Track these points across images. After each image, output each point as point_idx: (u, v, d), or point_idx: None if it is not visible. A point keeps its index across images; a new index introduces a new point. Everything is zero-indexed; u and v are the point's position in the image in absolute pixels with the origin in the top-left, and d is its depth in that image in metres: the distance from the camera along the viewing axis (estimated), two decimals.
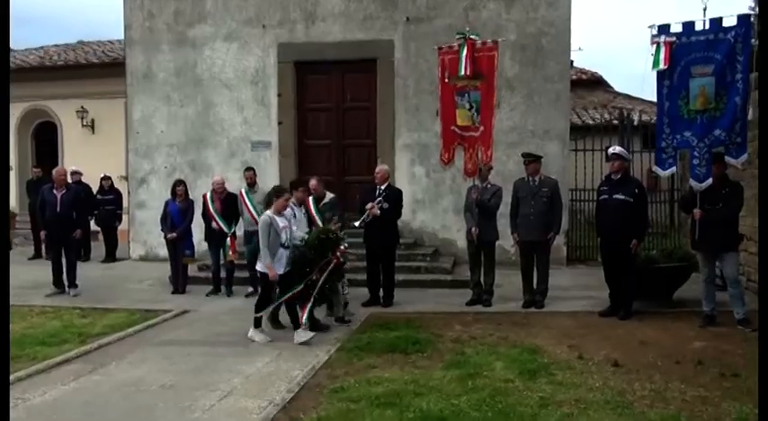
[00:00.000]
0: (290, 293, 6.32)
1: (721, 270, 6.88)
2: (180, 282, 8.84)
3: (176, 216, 8.77)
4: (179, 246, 8.76)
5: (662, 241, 10.70)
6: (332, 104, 11.12)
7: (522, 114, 10.45)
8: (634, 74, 40.31)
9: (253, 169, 8.92)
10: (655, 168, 6.82)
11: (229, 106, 11.28)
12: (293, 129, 11.12)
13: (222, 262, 8.51)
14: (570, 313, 7.26)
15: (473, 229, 7.66)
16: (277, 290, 6.41)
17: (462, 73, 7.38)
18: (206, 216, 8.60)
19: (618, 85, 36.03)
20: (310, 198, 7.40)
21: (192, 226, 8.81)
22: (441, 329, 6.64)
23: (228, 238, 8.43)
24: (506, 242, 9.11)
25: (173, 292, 8.81)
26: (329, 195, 7.67)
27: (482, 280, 7.83)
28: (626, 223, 6.89)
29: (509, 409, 4.40)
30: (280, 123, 11.13)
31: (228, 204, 8.52)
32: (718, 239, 6.48)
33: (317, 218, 7.21)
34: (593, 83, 19.85)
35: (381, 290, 7.85)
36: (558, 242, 10.00)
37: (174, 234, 8.70)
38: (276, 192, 6.39)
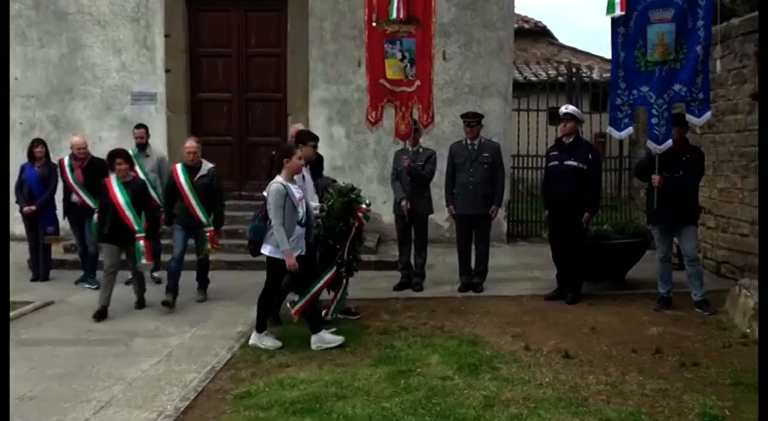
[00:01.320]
0: (323, 281, 6.07)
1: (678, 246, 7.13)
2: (41, 267, 8.42)
3: (35, 184, 8.24)
4: (39, 221, 8.26)
5: (612, 214, 11.06)
6: (232, 50, 10.71)
7: (459, 66, 10.42)
8: (581, 29, 41.42)
9: (144, 127, 8.44)
10: (609, 129, 6.94)
11: (103, 48, 10.61)
12: (184, 79, 10.63)
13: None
14: (513, 297, 7.39)
15: (403, 202, 7.59)
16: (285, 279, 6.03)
17: (394, 16, 7.19)
18: (66, 187, 8.09)
19: (563, 38, 36.83)
20: (179, 166, 7.15)
21: (58, 197, 8.29)
22: (365, 319, 6.58)
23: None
24: (440, 216, 9.16)
25: (32, 280, 8.39)
26: (207, 165, 7.31)
27: (412, 260, 7.82)
28: (578, 193, 7.02)
29: (449, 412, 4.38)
30: (167, 71, 10.59)
31: (92, 173, 7.87)
32: (677, 211, 6.69)
33: (189, 196, 7.05)
34: (535, 33, 20.13)
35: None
36: (499, 216, 10.14)
37: (33, 207, 8.19)
38: (285, 152, 5.87)
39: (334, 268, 6.18)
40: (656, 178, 6.63)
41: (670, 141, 6.57)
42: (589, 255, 7.32)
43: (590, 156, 7.13)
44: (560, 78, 12.61)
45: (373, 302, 7.22)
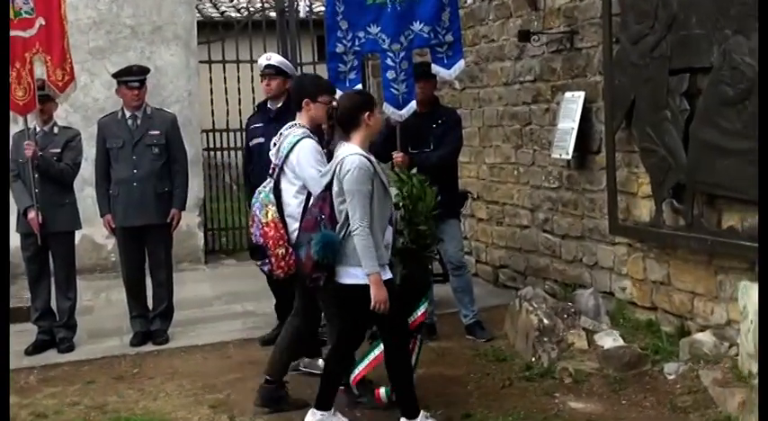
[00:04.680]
0: (416, 319, 5.54)
1: (439, 250, 7.47)
2: None
3: None
4: None
5: None
6: None
7: None
8: None
9: None
10: None
11: None
12: None
13: None
14: (215, 346, 7.38)
15: (30, 213, 7.24)
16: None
17: None
18: None
19: None
20: None
21: None
22: None
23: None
24: (97, 231, 8.79)
25: None
26: None
27: (54, 304, 7.46)
28: None
29: None
30: None
31: None
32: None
33: None
34: None
35: None
36: (189, 223, 9.95)
37: None
38: (364, 103, 5.28)
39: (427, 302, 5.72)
40: (398, 156, 6.86)
41: (414, 103, 6.83)
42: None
43: None
44: (270, 14, 12.71)
45: None
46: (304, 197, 5.50)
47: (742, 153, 5.40)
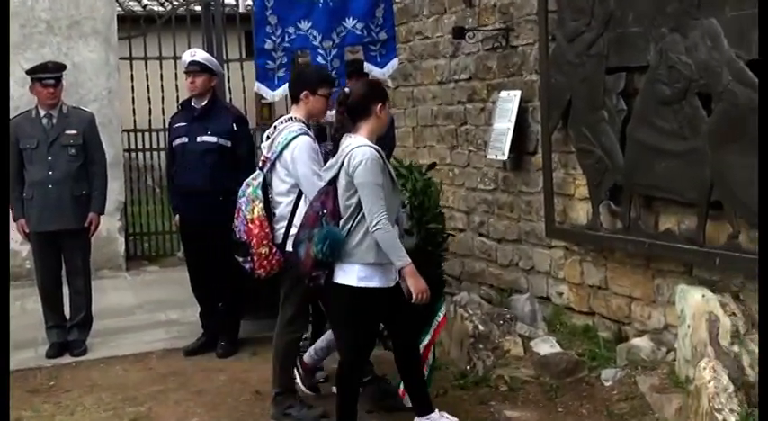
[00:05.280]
0: (437, 323, 5.53)
1: None
2: None
3: None
4: None
5: None
6: None
7: None
8: None
9: None
10: (257, 86, 7.06)
11: None
12: None
13: None
14: (137, 357, 7.33)
15: None
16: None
17: None
18: None
19: None
20: None
21: None
22: None
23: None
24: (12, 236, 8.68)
25: None
26: None
27: None
28: (221, 185, 7.06)
29: None
30: None
31: None
32: None
33: None
34: None
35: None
36: (109, 228, 9.85)
37: None
38: (378, 92, 5.16)
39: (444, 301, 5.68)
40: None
41: None
42: (247, 280, 7.35)
43: (235, 126, 7.22)
44: (195, 7, 12.61)
45: None
46: (294, 196, 5.45)
47: (678, 154, 5.52)
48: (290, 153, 5.44)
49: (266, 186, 5.57)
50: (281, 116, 5.89)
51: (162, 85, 10.97)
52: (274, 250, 5.49)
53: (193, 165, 7.09)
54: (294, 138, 5.46)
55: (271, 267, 5.52)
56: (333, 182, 5.00)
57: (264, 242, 5.47)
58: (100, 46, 10.35)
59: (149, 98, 11.10)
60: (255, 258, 5.52)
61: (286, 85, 6.99)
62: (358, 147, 4.87)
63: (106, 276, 9.76)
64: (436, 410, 5.28)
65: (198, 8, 11.54)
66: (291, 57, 7.09)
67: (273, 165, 5.53)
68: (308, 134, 5.53)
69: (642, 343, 5.98)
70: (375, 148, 4.92)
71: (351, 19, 6.87)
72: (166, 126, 8.34)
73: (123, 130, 10.96)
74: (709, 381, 4.75)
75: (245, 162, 7.27)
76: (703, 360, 4.97)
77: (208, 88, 7.23)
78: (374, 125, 5.05)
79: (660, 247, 5.79)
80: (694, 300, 5.37)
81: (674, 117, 5.55)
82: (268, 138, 5.65)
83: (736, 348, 5.12)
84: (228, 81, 10.39)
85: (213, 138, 7.10)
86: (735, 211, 5.18)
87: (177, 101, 8.29)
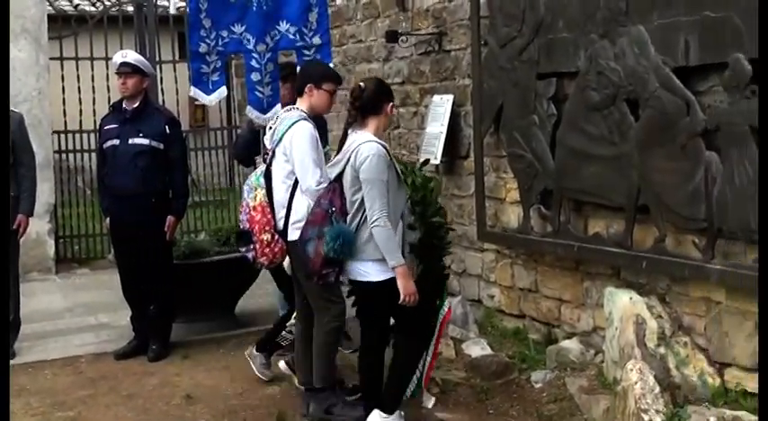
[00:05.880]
0: (443, 319, 5.58)
1: None
2: None
3: None
4: None
5: (215, 217, 11.32)
6: None
7: None
8: None
9: None
10: (192, 90, 7.02)
11: None
12: None
13: None
14: (66, 361, 7.23)
15: None
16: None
17: None
18: None
19: None
20: None
21: None
22: None
23: None
24: None
25: None
26: None
27: None
28: (152, 188, 7.05)
29: None
30: None
31: None
32: None
33: None
34: None
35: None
36: (38, 230, 9.72)
37: None
38: (386, 92, 5.22)
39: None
40: (261, 161, 6.84)
41: (279, 106, 6.81)
42: (179, 283, 7.35)
43: (167, 128, 7.15)
44: (128, 8, 12.47)
45: None
46: (291, 183, 5.38)
47: (607, 159, 5.60)
48: (289, 138, 5.37)
49: (269, 174, 5.51)
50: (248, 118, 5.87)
51: (93, 87, 10.82)
52: (276, 237, 5.43)
53: (125, 167, 7.01)
54: (294, 123, 5.41)
55: (273, 255, 5.46)
56: (339, 178, 5.03)
57: (267, 228, 5.43)
58: (29, 46, 10.20)
59: (80, 99, 10.95)
60: (258, 246, 5.47)
61: (221, 88, 7.00)
62: (365, 142, 4.94)
63: (35, 279, 9.62)
64: (398, 412, 5.29)
65: (130, 9, 11.44)
66: (225, 60, 7.05)
67: (274, 152, 5.47)
68: (307, 120, 5.47)
69: (571, 345, 6.07)
70: (382, 144, 5.01)
71: (284, 23, 6.86)
72: (97, 128, 8.24)
73: (53, 132, 10.81)
74: (636, 382, 4.82)
75: (178, 164, 7.25)
76: (630, 361, 5.04)
77: (139, 90, 7.16)
78: (382, 122, 5.19)
79: (589, 251, 5.86)
80: (622, 303, 5.45)
81: (603, 122, 5.63)
82: (270, 129, 5.59)
83: (662, 350, 5.21)
84: (161, 82, 10.29)
85: (145, 141, 7.03)
86: (661, 215, 5.27)
87: (108, 102, 8.21)
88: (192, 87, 6.99)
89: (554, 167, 6.10)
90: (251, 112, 6.87)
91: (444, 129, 7.21)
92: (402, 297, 4.93)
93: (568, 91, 6.03)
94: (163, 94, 10.35)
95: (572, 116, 5.96)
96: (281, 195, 5.43)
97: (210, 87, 6.96)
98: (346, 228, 4.93)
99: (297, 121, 5.41)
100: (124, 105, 7.17)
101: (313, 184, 5.17)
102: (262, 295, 8.28)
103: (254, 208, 5.48)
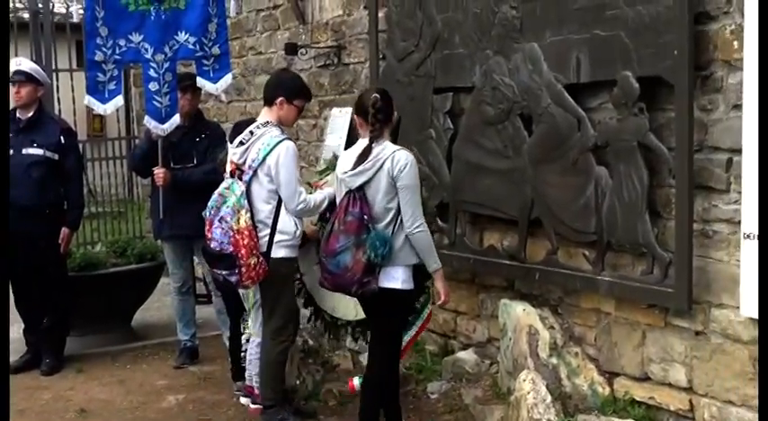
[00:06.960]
0: (422, 322, 5.65)
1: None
2: None
3: None
4: None
5: (112, 228, 11.13)
6: None
7: None
8: None
9: None
10: (87, 99, 6.90)
11: None
12: None
13: None
14: None
15: None
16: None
17: None
18: None
19: None
20: None
21: None
22: None
23: None
24: None
25: None
26: None
27: None
28: (47, 198, 6.97)
29: None
30: None
31: None
32: (197, 218, 6.92)
33: None
34: None
35: None
36: None
37: None
38: (390, 99, 5.08)
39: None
40: (159, 172, 6.77)
41: (177, 117, 6.77)
42: (74, 295, 7.22)
43: (62, 139, 7.04)
44: (24, 15, 12.19)
45: None
46: (275, 203, 5.33)
47: (502, 172, 5.69)
48: (275, 159, 5.28)
49: (249, 195, 5.38)
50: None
51: None
52: (261, 259, 5.33)
53: (19, 178, 6.82)
54: (278, 143, 5.32)
55: (257, 276, 5.34)
56: (360, 187, 4.93)
57: (254, 251, 5.30)
58: None
59: None
60: (244, 269, 5.28)
61: (118, 97, 6.90)
62: (398, 150, 4.93)
63: None
64: None
65: (26, 15, 11.18)
66: (122, 69, 6.96)
67: (255, 172, 5.35)
68: (290, 139, 5.41)
69: (467, 356, 6.12)
70: (413, 152, 5.12)
71: (183, 33, 6.80)
72: None
73: None
74: (529, 392, 4.89)
75: (73, 175, 7.14)
76: (523, 371, 5.11)
77: (34, 99, 7.03)
78: (391, 130, 5.17)
79: (484, 263, 5.94)
80: (516, 314, 5.53)
81: (498, 136, 5.72)
82: (241, 143, 5.43)
83: (554, 360, 5.30)
84: (57, 91, 10.05)
85: (40, 151, 6.91)
86: (553, 228, 5.37)
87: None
88: (88, 96, 6.87)
89: (450, 181, 6.16)
90: (149, 122, 6.77)
91: (343, 142, 7.21)
92: (443, 298, 5.08)
93: (464, 105, 6.10)
94: (59, 104, 10.12)
95: (468, 130, 6.03)
96: (264, 215, 5.37)
97: (106, 96, 6.86)
98: (387, 233, 4.89)
99: (281, 141, 5.35)
100: (18, 115, 7.03)
101: (300, 206, 5.29)
102: (159, 307, 8.21)
103: (239, 231, 5.31)
